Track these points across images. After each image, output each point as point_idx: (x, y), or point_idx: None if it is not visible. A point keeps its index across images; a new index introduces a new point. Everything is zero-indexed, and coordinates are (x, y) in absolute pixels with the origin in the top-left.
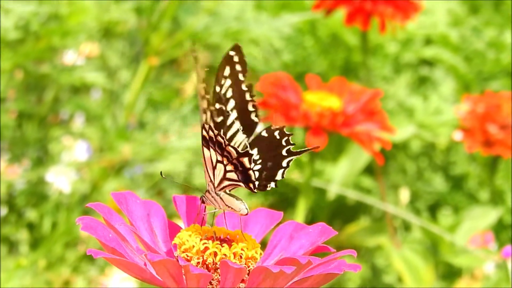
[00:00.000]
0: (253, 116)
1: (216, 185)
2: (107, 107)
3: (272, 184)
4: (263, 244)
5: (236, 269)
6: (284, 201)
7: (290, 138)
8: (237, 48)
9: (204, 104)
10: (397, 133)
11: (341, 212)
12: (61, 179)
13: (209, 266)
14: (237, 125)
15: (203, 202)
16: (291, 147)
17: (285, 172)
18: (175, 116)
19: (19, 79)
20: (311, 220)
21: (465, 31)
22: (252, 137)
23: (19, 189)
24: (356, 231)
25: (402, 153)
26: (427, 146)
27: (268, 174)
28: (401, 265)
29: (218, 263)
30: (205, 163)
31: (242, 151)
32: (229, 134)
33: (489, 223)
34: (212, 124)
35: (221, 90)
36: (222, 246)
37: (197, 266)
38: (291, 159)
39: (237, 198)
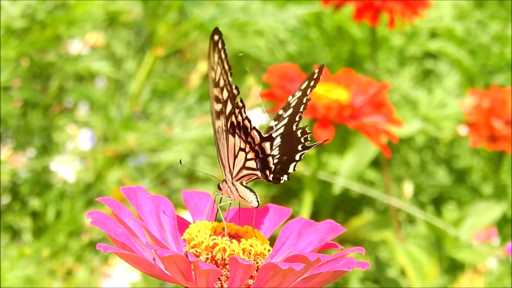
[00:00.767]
0: (294, 125)
1: (234, 174)
2: (111, 97)
3: (285, 177)
4: (272, 240)
5: (245, 265)
6: (287, 192)
7: (309, 135)
8: (321, 68)
9: (222, 95)
10: (403, 127)
11: (345, 204)
12: (65, 168)
13: (218, 262)
14: (281, 130)
15: (219, 189)
16: (307, 142)
17: (296, 165)
18: (179, 106)
19: (24, 68)
20: (315, 212)
21: (470, 25)
22: (275, 132)
23: (23, 177)
24: (361, 225)
25: (406, 146)
26: (430, 139)
27: (282, 167)
28: (404, 260)
29: (227, 259)
30: (227, 152)
31: (265, 136)
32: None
33: (493, 218)
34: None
35: (292, 99)
36: (231, 242)
37: (206, 261)
38: (303, 153)
39: (250, 190)
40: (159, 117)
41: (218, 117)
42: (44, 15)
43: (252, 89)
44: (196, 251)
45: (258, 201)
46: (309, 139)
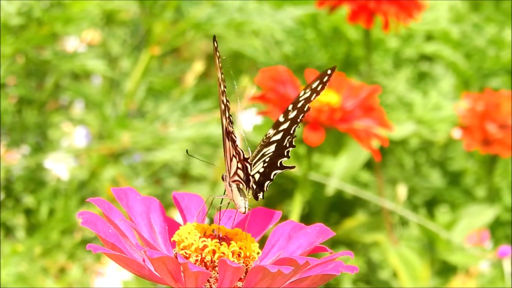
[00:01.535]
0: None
1: (231, 175)
2: (107, 95)
3: (261, 195)
4: (261, 243)
5: (234, 267)
6: (282, 192)
7: (289, 150)
8: (333, 69)
9: (224, 97)
10: (396, 130)
11: (338, 205)
12: (59, 166)
13: (208, 264)
14: (278, 136)
15: (223, 179)
16: (285, 159)
17: (268, 184)
18: (175, 105)
19: (20, 65)
20: (308, 213)
21: (466, 28)
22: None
23: (17, 174)
24: (354, 227)
25: (400, 148)
26: (425, 141)
27: (261, 181)
28: (397, 262)
29: (217, 261)
30: (226, 152)
31: (245, 157)
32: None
33: (486, 221)
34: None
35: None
36: (220, 245)
37: (195, 263)
38: (276, 173)
39: (241, 195)
40: (154, 116)
41: (223, 116)
42: (41, 12)
43: (247, 89)
44: (186, 253)
45: (245, 208)
46: (289, 155)
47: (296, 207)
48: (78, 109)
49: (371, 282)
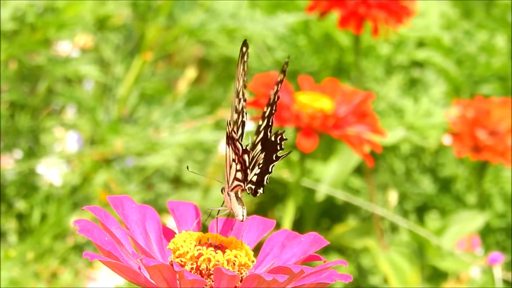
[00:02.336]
0: (268, 131)
1: (230, 184)
2: (99, 99)
3: (261, 190)
4: (256, 251)
5: (229, 275)
6: (273, 197)
7: (282, 144)
8: (286, 62)
9: (239, 105)
10: (388, 136)
11: (329, 211)
12: (52, 171)
13: (203, 272)
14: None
15: (222, 192)
16: (279, 152)
17: (268, 177)
18: (167, 111)
19: (13, 70)
20: (299, 218)
21: (457, 34)
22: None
23: (10, 179)
24: (344, 232)
25: (391, 154)
26: (416, 147)
27: (258, 179)
28: (387, 267)
29: (212, 269)
30: (226, 162)
31: (244, 148)
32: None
33: (476, 227)
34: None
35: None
36: (216, 253)
37: (191, 271)
38: (274, 165)
39: (240, 203)
40: (147, 121)
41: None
42: (34, 18)
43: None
44: (181, 261)
45: (243, 216)
46: (283, 147)
47: (288, 214)
48: (70, 114)
49: (361, 287)
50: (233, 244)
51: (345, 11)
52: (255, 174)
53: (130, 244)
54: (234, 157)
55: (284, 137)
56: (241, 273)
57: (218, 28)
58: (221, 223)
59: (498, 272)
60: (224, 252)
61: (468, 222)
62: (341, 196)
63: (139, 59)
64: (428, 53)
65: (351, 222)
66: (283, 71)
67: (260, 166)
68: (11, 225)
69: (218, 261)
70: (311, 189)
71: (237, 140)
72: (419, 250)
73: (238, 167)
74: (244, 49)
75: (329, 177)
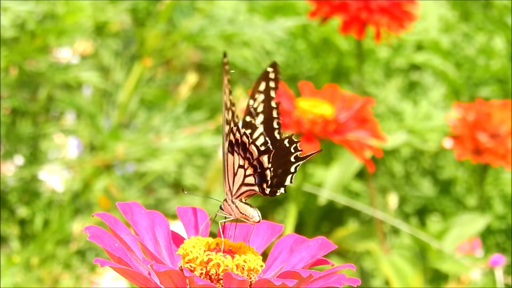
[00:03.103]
0: (276, 133)
1: (234, 192)
2: (99, 105)
3: (282, 190)
4: (264, 256)
5: (239, 280)
6: (273, 202)
7: (297, 144)
8: (274, 65)
9: (229, 116)
10: (388, 140)
11: (329, 214)
12: (53, 178)
13: (212, 277)
14: (261, 139)
15: (221, 209)
16: (299, 153)
17: (293, 177)
18: (167, 116)
19: (13, 77)
20: (300, 222)
21: (456, 37)
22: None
23: (12, 185)
24: (346, 236)
25: (391, 157)
26: (416, 150)
27: (278, 180)
28: (389, 270)
29: (221, 274)
30: (227, 171)
31: (263, 149)
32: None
33: (477, 230)
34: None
35: (254, 103)
36: (225, 258)
37: (200, 276)
38: (298, 165)
39: (251, 206)
40: (147, 127)
41: (226, 139)
42: (34, 25)
43: (240, 100)
44: (191, 266)
45: (259, 216)
46: (299, 148)
47: (290, 218)
48: (69, 119)
49: None
50: (242, 249)
51: (347, 17)
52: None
53: (140, 250)
54: (242, 163)
55: (294, 139)
56: (250, 278)
57: (217, 33)
58: (229, 228)
59: (500, 275)
60: (233, 257)
61: (469, 225)
62: (342, 201)
63: (139, 65)
64: (427, 56)
65: (352, 225)
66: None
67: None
68: (13, 231)
69: (227, 266)
70: (311, 193)
71: (252, 142)
72: (421, 253)
73: (250, 171)
74: (225, 60)
75: (330, 181)
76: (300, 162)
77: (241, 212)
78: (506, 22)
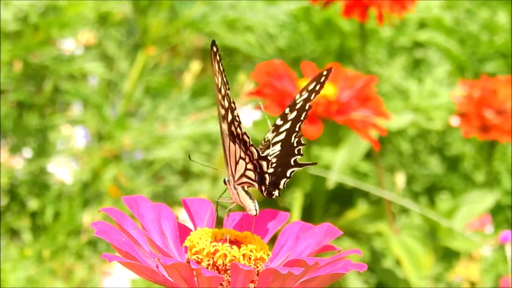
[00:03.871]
0: (293, 136)
1: (236, 179)
2: (105, 95)
3: (276, 193)
4: (271, 244)
5: (246, 270)
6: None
7: (301, 148)
8: (329, 70)
9: (225, 102)
10: (394, 119)
11: (338, 196)
12: (62, 170)
13: (219, 267)
14: (283, 135)
15: (224, 183)
16: (298, 157)
17: (286, 182)
18: (173, 104)
19: (18, 70)
20: (309, 205)
21: (458, 14)
22: (280, 137)
23: (21, 178)
24: (356, 217)
25: (398, 136)
26: (422, 128)
27: (274, 180)
28: (399, 250)
29: (228, 264)
30: (229, 156)
31: (262, 155)
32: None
33: (486, 207)
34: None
35: (299, 99)
36: (231, 248)
37: (207, 268)
38: (293, 171)
39: (250, 197)
40: (153, 115)
41: (222, 121)
42: (37, 18)
43: (244, 86)
44: (198, 258)
45: (256, 210)
46: (301, 152)
47: (297, 201)
48: (76, 110)
49: (375, 271)
50: (248, 239)
51: (349, 0)
52: (269, 174)
53: (147, 243)
54: (243, 156)
55: (302, 142)
56: (257, 267)
57: (219, 19)
58: (234, 218)
59: (509, 251)
60: (239, 247)
61: (479, 202)
62: (350, 182)
63: (143, 54)
64: (430, 34)
65: (361, 206)
66: (320, 82)
67: (274, 166)
68: (25, 223)
69: (234, 256)
70: (320, 175)
71: (251, 145)
72: (431, 232)
73: (250, 166)
74: (214, 48)
75: (338, 163)
76: (296, 169)
77: (241, 201)
78: None
